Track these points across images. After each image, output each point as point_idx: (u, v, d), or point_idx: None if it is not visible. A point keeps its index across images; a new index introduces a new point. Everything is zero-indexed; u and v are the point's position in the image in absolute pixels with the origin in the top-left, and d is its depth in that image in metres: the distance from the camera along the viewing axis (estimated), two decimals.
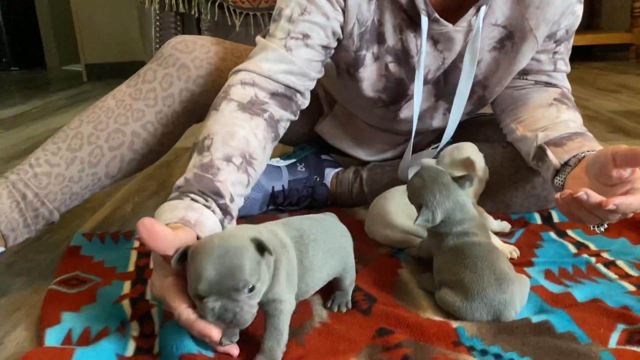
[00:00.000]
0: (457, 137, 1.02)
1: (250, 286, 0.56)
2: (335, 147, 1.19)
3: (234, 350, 0.63)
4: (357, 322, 0.70)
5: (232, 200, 0.71)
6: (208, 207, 0.68)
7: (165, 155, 0.97)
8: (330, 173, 1.15)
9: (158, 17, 2.32)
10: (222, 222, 0.69)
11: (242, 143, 0.74)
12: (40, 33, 4.65)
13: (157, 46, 2.33)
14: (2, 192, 0.82)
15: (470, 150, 0.94)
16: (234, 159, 0.73)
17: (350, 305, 0.74)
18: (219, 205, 0.69)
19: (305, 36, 0.83)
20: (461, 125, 1.06)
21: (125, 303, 0.74)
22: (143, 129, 0.90)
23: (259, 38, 0.86)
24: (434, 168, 0.79)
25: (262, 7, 2.34)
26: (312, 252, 0.67)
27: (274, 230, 0.65)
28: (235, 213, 0.72)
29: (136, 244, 0.96)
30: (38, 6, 4.55)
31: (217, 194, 0.69)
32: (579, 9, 0.93)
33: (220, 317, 0.56)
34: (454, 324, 0.68)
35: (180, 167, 1.48)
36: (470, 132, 1.13)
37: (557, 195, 0.72)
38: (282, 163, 1.15)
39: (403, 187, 0.95)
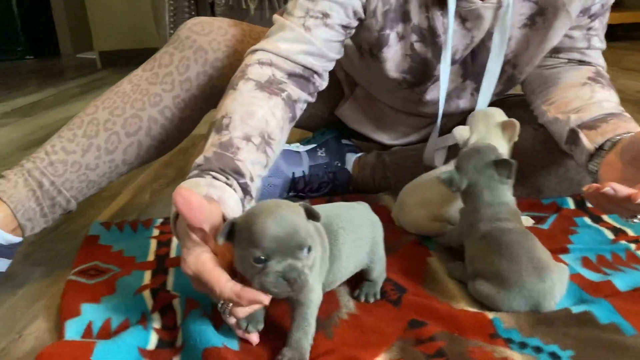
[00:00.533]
0: None
1: (309, 245, 0.54)
2: (356, 132, 1.15)
3: (255, 338, 0.60)
4: (386, 313, 0.67)
5: (252, 179, 0.69)
6: (230, 186, 0.65)
7: (182, 142, 0.94)
8: (351, 158, 1.12)
9: (172, 2, 2.29)
10: (242, 201, 0.66)
11: (261, 122, 0.72)
12: (54, 21, 4.65)
13: (171, 32, 2.30)
14: (19, 180, 0.80)
15: (502, 115, 0.89)
16: (253, 139, 0.70)
17: (378, 296, 0.71)
18: (239, 184, 0.67)
19: (325, 15, 0.80)
20: (490, 106, 1.01)
21: (146, 294, 0.72)
22: (160, 114, 0.87)
23: (276, 16, 0.83)
24: (490, 146, 0.78)
25: None
26: (342, 240, 0.64)
27: (330, 211, 0.64)
28: (254, 193, 0.70)
29: (155, 232, 0.94)
30: None
31: (238, 173, 0.67)
32: None
33: (285, 277, 0.53)
34: (490, 315, 0.65)
35: (198, 154, 1.45)
36: None
37: (584, 188, 0.67)
38: (302, 148, 1.12)
39: (435, 173, 0.91)
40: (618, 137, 0.77)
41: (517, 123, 0.87)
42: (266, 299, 0.54)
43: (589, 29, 0.92)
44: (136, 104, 0.86)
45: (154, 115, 0.87)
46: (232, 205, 0.63)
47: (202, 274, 0.56)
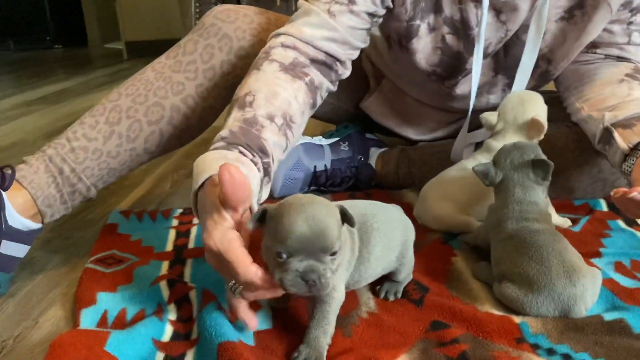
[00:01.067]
0: None
1: (335, 250, 0.52)
2: (380, 126, 1.12)
3: (253, 322, 0.57)
4: (407, 313, 0.65)
5: (273, 161, 0.68)
6: (255, 164, 0.64)
7: (205, 133, 0.93)
8: (375, 152, 1.09)
9: None
10: (261, 182, 0.65)
11: (284, 104, 0.71)
12: (82, 12, 4.70)
13: (197, 22, 2.29)
14: (40, 166, 0.80)
15: (537, 106, 0.85)
16: (276, 119, 0.69)
17: (399, 295, 0.68)
18: (263, 164, 0.65)
19: (351, 2, 0.78)
20: None
21: (163, 284, 0.70)
22: (183, 103, 0.86)
23: (302, 1, 0.81)
24: (533, 146, 0.76)
25: None
26: (374, 242, 0.62)
27: (362, 210, 0.63)
28: (272, 176, 0.68)
29: (174, 222, 0.93)
30: None
31: (264, 152, 0.66)
32: None
33: (304, 277, 0.51)
34: (517, 319, 0.62)
35: None
36: None
37: (612, 192, 0.64)
38: (325, 142, 1.10)
39: (458, 167, 0.88)
40: None
41: (545, 126, 0.84)
42: (280, 294, 0.52)
43: (630, 23, 0.88)
44: (159, 92, 0.85)
45: (177, 104, 0.85)
46: (254, 186, 0.61)
47: (227, 252, 0.53)
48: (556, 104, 0.99)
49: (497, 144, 0.83)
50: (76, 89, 2.54)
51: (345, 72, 0.82)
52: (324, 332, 0.57)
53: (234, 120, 0.68)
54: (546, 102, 1.06)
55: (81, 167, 0.81)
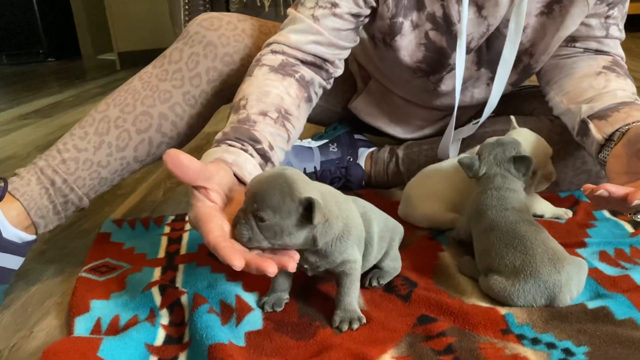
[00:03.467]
0: (502, 111, 0.95)
1: (259, 216, 0.56)
2: (369, 126, 1.14)
3: (271, 268, 0.53)
4: (396, 308, 0.66)
5: (271, 147, 0.71)
6: (245, 151, 0.67)
7: (195, 140, 0.94)
8: (364, 153, 1.11)
9: (187, 1, 2.30)
10: (262, 167, 0.68)
11: (276, 99, 0.75)
12: (74, 24, 4.71)
13: None
14: (31, 178, 0.81)
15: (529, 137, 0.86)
16: (270, 114, 0.73)
17: (382, 282, 0.71)
18: (256, 150, 0.69)
19: (334, 5, 0.81)
20: (506, 97, 0.99)
21: (155, 290, 0.71)
22: (171, 110, 0.87)
23: (290, 10, 0.84)
24: (515, 142, 0.79)
25: None
26: (372, 229, 0.68)
27: (364, 203, 0.69)
28: (277, 162, 0.72)
29: (167, 229, 0.94)
30: None
31: (254, 140, 0.69)
32: None
33: (234, 221, 0.57)
34: (502, 311, 0.64)
35: None
36: (516, 105, 1.06)
37: (582, 188, 0.65)
38: (314, 144, 1.11)
39: (440, 165, 0.90)
40: (627, 127, 0.75)
41: (553, 173, 0.86)
42: (237, 266, 0.52)
43: (607, 17, 0.89)
44: (146, 100, 0.86)
45: (164, 111, 0.87)
46: (249, 168, 0.65)
47: (197, 226, 0.57)
48: (539, 97, 1.00)
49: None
50: (70, 101, 2.55)
51: (337, 70, 0.85)
52: (354, 296, 0.64)
53: (228, 123, 0.72)
54: (529, 95, 1.08)
55: (73, 178, 0.82)
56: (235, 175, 0.64)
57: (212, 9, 2.35)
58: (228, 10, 2.35)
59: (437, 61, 0.90)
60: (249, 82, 0.77)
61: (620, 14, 0.90)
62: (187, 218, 0.60)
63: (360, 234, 0.65)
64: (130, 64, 3.72)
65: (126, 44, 3.73)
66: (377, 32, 0.89)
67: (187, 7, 2.30)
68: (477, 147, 0.83)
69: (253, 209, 0.56)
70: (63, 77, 3.54)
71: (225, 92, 0.91)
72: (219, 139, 0.69)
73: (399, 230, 0.75)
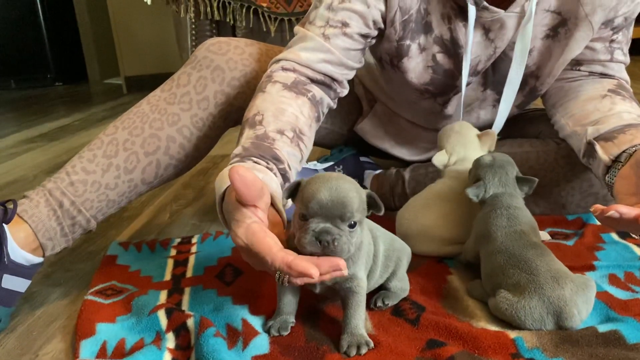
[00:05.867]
0: (508, 133, 0.96)
1: (353, 222, 0.57)
2: (374, 149, 1.14)
3: (314, 271, 0.53)
4: (404, 332, 0.66)
5: (290, 167, 0.71)
6: (270, 170, 0.67)
7: (202, 163, 0.95)
8: (369, 175, 1.11)
9: (194, 26, 2.33)
10: (281, 187, 0.68)
11: (291, 118, 0.75)
12: (82, 49, 4.78)
13: None
14: (40, 200, 0.81)
15: (472, 129, 0.91)
16: (287, 132, 0.73)
17: (389, 303, 0.71)
18: (279, 170, 0.69)
19: (344, 24, 0.82)
20: (512, 120, 1.00)
21: (161, 313, 0.71)
22: (179, 133, 0.88)
23: (298, 27, 0.85)
24: (507, 158, 0.80)
25: (297, 12, 2.32)
26: (378, 247, 0.68)
27: (368, 221, 0.69)
28: (292, 179, 0.72)
29: (173, 252, 0.94)
30: (80, 23, 4.67)
31: (277, 159, 0.69)
32: None
33: (319, 237, 0.55)
34: (512, 334, 0.63)
35: (218, 175, 1.46)
36: (522, 128, 1.06)
37: (591, 209, 0.64)
38: (320, 166, 1.12)
39: (429, 196, 0.89)
40: (634, 148, 0.75)
41: (494, 132, 0.89)
42: (315, 274, 0.52)
43: (612, 41, 0.90)
44: (155, 123, 0.87)
45: (172, 134, 0.87)
46: (274, 187, 0.65)
47: (253, 244, 0.55)
48: (544, 120, 1.00)
49: (463, 168, 0.87)
50: (76, 125, 2.58)
51: (344, 90, 0.86)
52: (361, 318, 0.63)
53: (246, 138, 0.72)
54: (535, 118, 1.08)
55: (80, 200, 0.83)
56: None
57: (219, 34, 2.38)
58: (234, 36, 2.39)
59: (444, 83, 0.91)
60: (263, 98, 0.77)
61: (624, 38, 0.91)
62: (232, 235, 0.59)
63: (368, 251, 0.66)
64: (137, 88, 3.76)
65: (133, 69, 3.77)
66: (384, 54, 0.90)
67: (193, 32, 2.33)
68: (448, 144, 0.88)
69: (346, 217, 0.56)
70: (70, 101, 3.57)
71: (233, 115, 0.92)
72: (240, 153, 0.69)
73: (406, 251, 0.75)
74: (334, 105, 0.86)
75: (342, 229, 0.56)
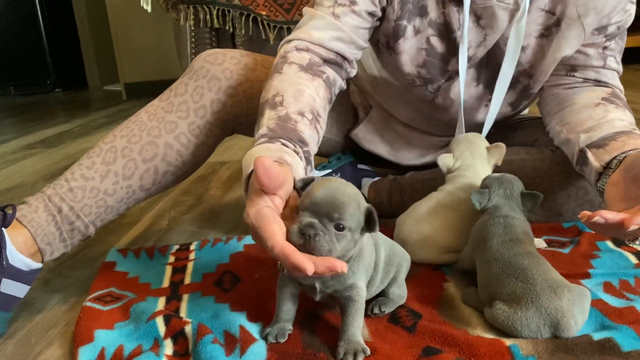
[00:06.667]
0: (505, 141, 0.96)
1: (342, 226, 0.57)
2: (372, 157, 1.15)
3: (338, 263, 0.54)
4: (401, 340, 0.66)
5: (312, 150, 0.73)
6: (297, 153, 0.69)
7: (200, 169, 0.95)
8: (367, 182, 1.12)
9: (193, 34, 2.35)
10: (305, 170, 0.69)
11: (310, 100, 0.77)
12: (82, 55, 4.80)
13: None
14: (39, 205, 0.82)
15: (483, 141, 0.92)
16: (306, 114, 0.75)
17: (385, 310, 0.71)
18: (304, 152, 0.71)
19: (352, 2, 0.84)
20: (508, 128, 1.00)
21: (159, 320, 0.71)
22: (176, 140, 0.88)
23: (306, 9, 0.87)
24: (515, 177, 0.82)
25: (296, 20, 2.34)
26: (380, 253, 0.69)
27: None
28: (312, 164, 0.74)
29: (171, 259, 0.95)
30: (80, 29, 4.70)
31: (303, 142, 0.71)
32: (632, 9, 0.89)
33: (302, 230, 0.56)
34: (507, 342, 0.63)
35: (217, 181, 1.47)
36: (518, 136, 1.07)
37: (579, 216, 0.66)
38: (318, 173, 1.12)
39: (430, 204, 0.89)
40: (624, 155, 0.76)
41: (503, 146, 0.90)
42: (310, 270, 0.53)
43: (605, 48, 0.91)
44: (152, 131, 0.88)
45: (170, 141, 0.88)
46: (300, 172, 0.67)
47: (260, 227, 0.57)
48: (541, 129, 1.01)
49: (468, 173, 0.88)
50: (76, 131, 2.58)
51: (353, 70, 0.88)
52: (359, 326, 0.64)
53: (268, 119, 0.73)
54: (531, 126, 1.09)
55: (79, 206, 0.83)
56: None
57: (218, 42, 2.39)
58: (234, 43, 2.40)
59: (436, 67, 0.93)
60: (280, 79, 0.78)
61: (617, 46, 0.92)
62: (244, 213, 0.60)
63: (370, 261, 0.66)
64: (136, 94, 3.77)
65: (132, 75, 3.79)
66: (381, 36, 0.93)
67: (193, 40, 2.35)
68: (457, 149, 0.91)
69: (334, 218, 0.57)
70: (69, 108, 3.58)
71: (229, 123, 0.93)
72: (267, 134, 0.70)
73: (406, 257, 0.76)
74: (344, 86, 0.88)
75: (327, 228, 0.57)
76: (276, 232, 0.56)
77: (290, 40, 0.84)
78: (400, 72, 0.95)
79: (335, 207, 0.57)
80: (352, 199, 0.58)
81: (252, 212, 0.58)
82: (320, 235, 0.56)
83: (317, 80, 0.80)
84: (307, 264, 0.53)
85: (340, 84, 0.86)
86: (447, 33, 0.89)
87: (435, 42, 0.90)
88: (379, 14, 0.88)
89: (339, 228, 0.57)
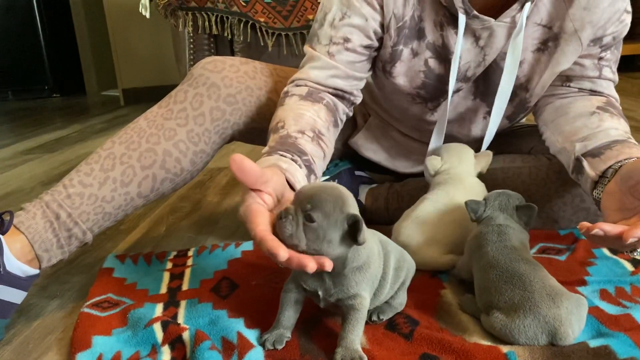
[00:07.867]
0: (501, 149, 0.97)
1: (312, 217, 0.59)
2: (370, 164, 1.15)
3: (311, 264, 0.57)
4: (398, 347, 0.66)
5: (313, 160, 0.77)
6: (295, 161, 0.73)
7: (199, 176, 0.96)
8: (364, 189, 1.12)
9: (192, 40, 2.35)
10: (308, 177, 0.73)
11: (310, 120, 0.82)
12: (80, 61, 4.80)
13: (190, 69, 2.35)
14: (37, 212, 0.82)
15: (471, 151, 0.96)
16: (307, 132, 0.80)
17: (383, 317, 0.72)
18: (303, 161, 0.75)
19: (346, 40, 0.87)
20: (505, 136, 1.01)
21: (157, 326, 0.71)
22: (175, 147, 0.89)
23: (306, 48, 0.91)
24: (518, 194, 0.83)
25: (294, 27, 2.35)
26: (390, 262, 0.69)
27: (381, 236, 0.71)
28: (318, 173, 0.79)
29: (169, 265, 0.95)
30: (78, 35, 4.70)
31: (300, 152, 0.76)
32: (627, 18, 0.89)
33: (279, 215, 0.60)
34: (504, 349, 0.64)
35: (215, 187, 1.47)
36: (514, 144, 1.08)
37: (578, 226, 0.67)
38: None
39: (429, 206, 0.89)
40: (620, 164, 0.76)
41: (490, 153, 0.94)
42: (283, 256, 0.56)
43: (600, 58, 0.92)
44: (151, 138, 0.88)
45: (169, 148, 0.88)
46: (299, 177, 0.72)
47: (247, 220, 0.61)
48: (537, 137, 1.02)
49: (454, 176, 0.92)
50: (74, 136, 2.58)
51: (357, 98, 0.92)
52: (358, 335, 0.64)
53: (271, 141, 0.79)
54: (527, 134, 1.10)
55: (77, 212, 0.83)
56: (287, 181, 0.69)
57: (217, 48, 2.40)
58: (232, 49, 2.41)
59: (435, 87, 0.94)
60: (282, 109, 0.84)
61: (613, 57, 0.93)
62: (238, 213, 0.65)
63: (377, 273, 0.67)
64: (134, 100, 3.78)
65: (130, 81, 3.79)
66: (378, 61, 0.94)
67: (191, 46, 2.36)
68: (446, 153, 0.94)
69: (305, 208, 0.59)
70: (67, 113, 3.58)
71: (228, 130, 0.93)
72: (267, 151, 0.75)
73: (412, 265, 0.76)
74: (350, 112, 0.92)
75: (297, 216, 0.60)
76: (260, 222, 0.60)
77: (292, 80, 0.89)
78: (398, 93, 0.97)
79: (308, 199, 0.60)
80: (333, 198, 0.60)
81: (242, 209, 0.63)
82: (287, 219, 0.59)
83: (317, 105, 0.85)
84: (281, 249, 0.56)
85: (344, 109, 0.90)
86: (445, 55, 0.90)
87: (433, 64, 0.91)
88: (376, 45, 0.90)
89: (309, 219, 0.59)
